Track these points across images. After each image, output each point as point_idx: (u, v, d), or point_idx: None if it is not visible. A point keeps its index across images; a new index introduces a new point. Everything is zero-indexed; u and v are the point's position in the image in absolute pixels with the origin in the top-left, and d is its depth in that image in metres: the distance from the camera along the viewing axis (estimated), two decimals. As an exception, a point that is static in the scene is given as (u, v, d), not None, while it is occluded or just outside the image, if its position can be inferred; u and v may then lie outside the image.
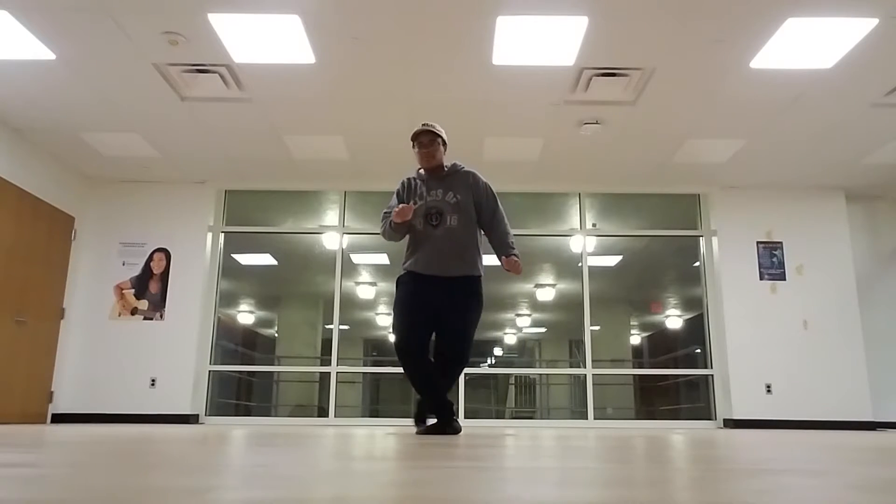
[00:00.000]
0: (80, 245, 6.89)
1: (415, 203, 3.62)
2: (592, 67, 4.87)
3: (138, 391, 6.61)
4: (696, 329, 7.29)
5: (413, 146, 3.68)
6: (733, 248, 6.98)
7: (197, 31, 4.41)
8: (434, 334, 3.61)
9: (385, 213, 3.73)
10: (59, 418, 6.53)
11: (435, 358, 3.59)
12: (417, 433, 3.52)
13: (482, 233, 3.72)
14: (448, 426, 3.51)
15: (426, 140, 3.63)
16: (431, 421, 3.60)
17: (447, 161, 3.73)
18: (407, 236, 3.73)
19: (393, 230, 3.65)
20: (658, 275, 8.83)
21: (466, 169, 3.73)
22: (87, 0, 4.09)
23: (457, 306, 3.55)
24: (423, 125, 3.65)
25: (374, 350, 10.72)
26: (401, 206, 3.51)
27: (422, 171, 3.73)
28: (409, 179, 3.75)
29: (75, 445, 2.13)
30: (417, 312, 3.55)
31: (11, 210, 5.91)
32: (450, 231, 3.56)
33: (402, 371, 3.61)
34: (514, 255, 3.60)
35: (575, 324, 7.14)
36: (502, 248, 3.64)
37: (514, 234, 3.79)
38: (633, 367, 9.88)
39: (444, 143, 3.70)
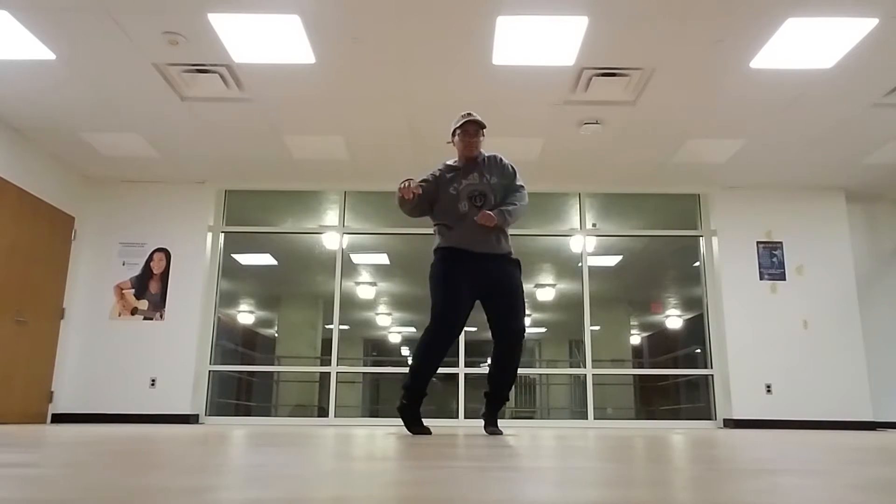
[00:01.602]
0: (80, 245, 6.89)
1: (454, 190, 3.63)
2: (592, 67, 4.87)
3: (138, 391, 6.61)
4: (696, 329, 7.29)
5: (454, 134, 3.72)
6: (733, 248, 6.98)
7: (197, 31, 4.41)
8: (490, 321, 3.62)
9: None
10: (59, 418, 6.53)
11: (496, 348, 3.60)
12: (415, 433, 3.50)
13: None
14: (493, 425, 3.59)
15: (473, 129, 3.67)
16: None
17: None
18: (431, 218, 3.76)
19: (418, 208, 3.65)
20: (658, 275, 8.82)
21: (491, 154, 3.79)
22: (87, 0, 4.09)
23: (507, 277, 3.60)
24: (470, 114, 3.70)
25: (374, 350, 10.72)
26: (408, 181, 3.50)
27: (451, 162, 3.76)
28: (441, 171, 3.74)
29: (75, 445, 2.13)
30: (462, 283, 3.54)
31: (11, 210, 5.91)
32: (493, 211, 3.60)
33: (424, 348, 3.50)
34: (500, 211, 3.57)
35: (575, 324, 7.14)
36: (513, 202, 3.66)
37: (514, 234, 3.81)
38: (633, 367, 9.87)
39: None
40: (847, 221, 7.05)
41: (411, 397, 3.54)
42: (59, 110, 5.56)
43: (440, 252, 3.63)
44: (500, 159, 3.78)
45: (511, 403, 9.66)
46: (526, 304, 3.66)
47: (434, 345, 3.50)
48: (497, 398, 3.66)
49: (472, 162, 3.73)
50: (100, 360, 6.70)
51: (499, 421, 3.71)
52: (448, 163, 3.78)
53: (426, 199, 3.67)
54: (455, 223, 3.60)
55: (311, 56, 4.71)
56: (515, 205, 3.65)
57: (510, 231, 3.79)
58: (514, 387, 3.78)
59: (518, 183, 3.76)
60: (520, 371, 3.54)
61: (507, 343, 3.57)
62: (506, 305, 3.58)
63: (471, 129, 3.67)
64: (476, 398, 7.16)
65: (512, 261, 3.67)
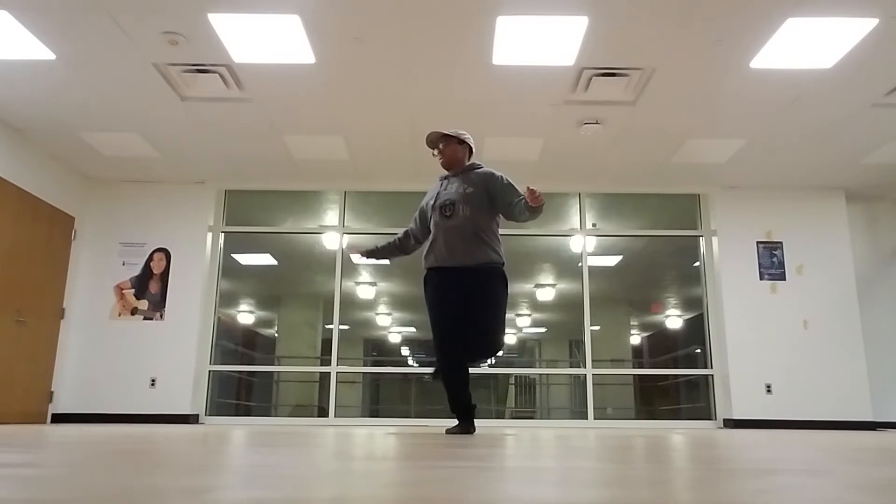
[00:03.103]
0: (80, 245, 6.89)
1: (432, 199, 3.74)
2: (592, 67, 4.87)
3: (138, 391, 6.61)
4: (696, 329, 7.29)
5: (432, 153, 3.84)
6: (733, 248, 6.98)
7: (197, 31, 4.41)
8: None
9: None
10: (59, 418, 6.53)
11: (464, 354, 3.61)
12: (447, 432, 3.63)
13: (500, 219, 3.78)
14: (463, 427, 3.62)
15: (431, 144, 3.81)
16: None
17: (469, 161, 3.85)
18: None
19: (400, 251, 3.98)
20: (658, 275, 8.82)
21: (485, 168, 3.80)
22: (87, 0, 4.09)
23: (480, 292, 3.57)
24: (433, 131, 3.80)
25: (374, 350, 10.72)
26: (350, 244, 3.82)
27: (445, 174, 3.86)
28: (429, 191, 3.89)
29: (75, 445, 2.13)
30: (446, 306, 3.62)
31: (11, 210, 5.91)
32: (464, 220, 3.60)
33: (439, 367, 3.67)
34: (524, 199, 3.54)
35: (575, 324, 7.14)
36: (518, 206, 3.59)
37: (514, 234, 3.83)
38: (633, 367, 9.87)
39: (463, 142, 3.80)
40: (847, 221, 7.05)
41: (459, 417, 3.68)
42: (59, 110, 5.56)
43: (425, 275, 3.77)
44: (492, 173, 3.74)
45: (511, 403, 9.65)
46: (498, 317, 3.57)
47: (444, 372, 3.64)
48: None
49: (456, 173, 3.79)
50: (100, 360, 6.70)
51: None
52: (442, 175, 3.89)
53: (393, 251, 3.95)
54: (434, 237, 3.69)
55: (311, 56, 4.71)
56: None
57: (514, 231, 3.82)
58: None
59: (519, 196, 3.65)
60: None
61: (473, 350, 3.60)
62: (472, 323, 3.57)
63: (430, 145, 3.81)
64: (476, 398, 7.12)
65: (491, 272, 3.60)
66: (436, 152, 3.80)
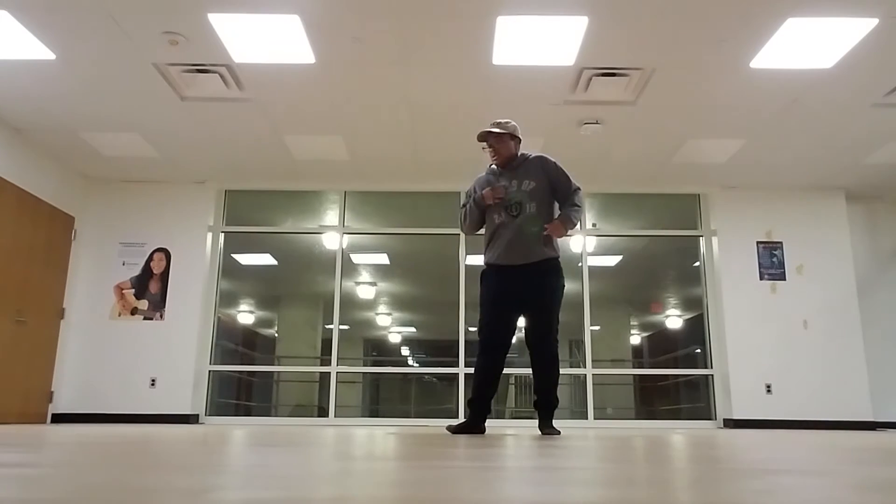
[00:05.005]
0: (80, 245, 6.89)
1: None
2: (592, 67, 4.87)
3: (138, 391, 6.61)
4: (696, 329, 7.28)
5: (483, 148, 3.82)
6: (733, 248, 6.98)
7: (197, 31, 4.41)
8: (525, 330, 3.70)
9: (464, 204, 3.86)
10: (59, 418, 6.53)
11: (530, 357, 3.68)
12: (452, 431, 3.65)
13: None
14: (548, 427, 3.65)
15: (481, 142, 3.78)
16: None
17: (518, 152, 3.81)
18: (483, 229, 3.83)
19: (472, 219, 3.77)
20: (658, 275, 8.82)
21: (535, 155, 3.78)
22: (87, 0, 4.09)
23: (539, 289, 3.62)
24: (483, 130, 3.75)
25: (374, 350, 10.71)
26: (493, 187, 3.65)
27: (493, 166, 3.82)
28: (481, 177, 3.86)
29: (75, 445, 2.13)
30: (502, 303, 3.66)
31: (11, 210, 5.91)
32: (528, 217, 3.63)
33: (477, 368, 3.69)
34: (569, 216, 3.62)
35: (575, 324, 7.14)
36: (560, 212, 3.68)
37: None
38: (633, 367, 9.86)
39: (513, 137, 3.75)
40: (847, 221, 7.05)
41: (473, 413, 3.69)
42: (59, 110, 5.56)
43: (483, 271, 3.76)
44: (546, 160, 3.74)
45: (511, 403, 9.66)
46: (557, 312, 3.66)
47: (482, 364, 3.67)
48: (543, 404, 3.73)
49: (509, 167, 3.74)
50: (100, 360, 6.70)
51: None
52: (492, 166, 3.83)
53: (483, 213, 3.79)
54: (496, 235, 3.69)
55: (311, 56, 4.71)
56: (578, 206, 3.67)
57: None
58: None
59: (573, 186, 3.72)
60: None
61: (535, 356, 3.68)
62: (532, 321, 3.65)
63: (481, 143, 3.76)
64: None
65: (548, 267, 3.65)
66: (485, 146, 3.77)
